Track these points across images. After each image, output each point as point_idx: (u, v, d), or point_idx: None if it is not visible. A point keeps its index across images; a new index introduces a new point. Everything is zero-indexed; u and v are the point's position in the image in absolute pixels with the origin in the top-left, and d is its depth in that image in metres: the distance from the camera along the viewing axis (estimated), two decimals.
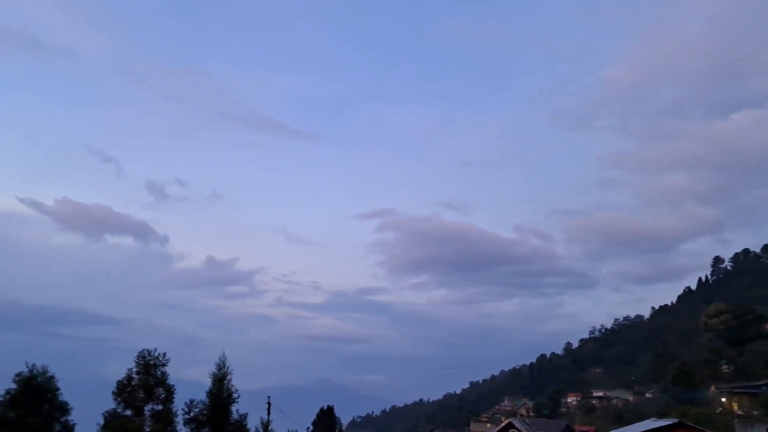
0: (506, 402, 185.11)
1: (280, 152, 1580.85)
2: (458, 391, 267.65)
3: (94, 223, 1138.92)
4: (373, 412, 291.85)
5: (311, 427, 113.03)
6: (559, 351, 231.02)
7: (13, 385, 36.45)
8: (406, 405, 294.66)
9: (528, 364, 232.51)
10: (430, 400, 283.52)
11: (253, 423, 43.86)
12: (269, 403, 53.58)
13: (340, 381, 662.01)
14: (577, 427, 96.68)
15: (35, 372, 37.08)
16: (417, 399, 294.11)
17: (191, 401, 41.20)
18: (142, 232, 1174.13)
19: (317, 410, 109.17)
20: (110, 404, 39.06)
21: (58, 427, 37.35)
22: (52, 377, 37.58)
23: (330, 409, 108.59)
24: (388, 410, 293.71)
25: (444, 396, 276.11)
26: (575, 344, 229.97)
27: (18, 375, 36.58)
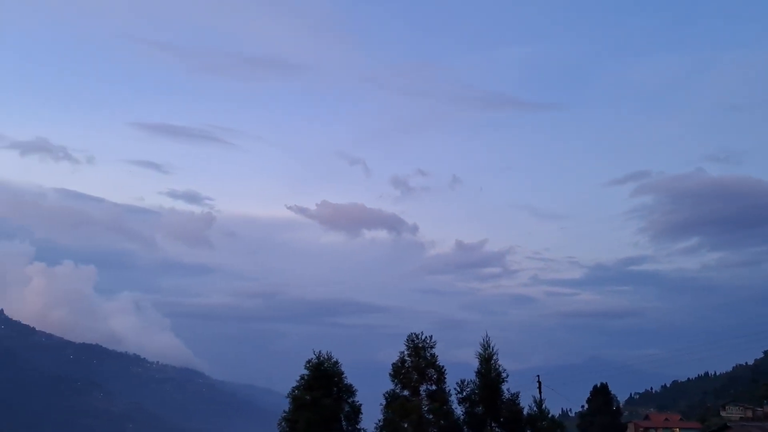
0: None
1: (517, 128, 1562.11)
2: (750, 362, 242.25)
3: (352, 221, 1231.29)
4: (652, 388, 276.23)
5: (585, 406, 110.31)
6: None
7: (306, 372, 40.63)
8: (689, 379, 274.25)
9: None
10: (717, 373, 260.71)
11: (525, 402, 43.93)
12: (539, 382, 53.31)
13: (611, 357, 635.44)
14: None
15: (322, 359, 41.02)
16: (701, 372, 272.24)
17: (462, 381, 42.48)
18: (393, 224, 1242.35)
19: (589, 389, 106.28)
20: (387, 385, 41.79)
21: (346, 408, 40.94)
22: (336, 362, 41.31)
23: (604, 386, 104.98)
24: (668, 386, 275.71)
25: (733, 368, 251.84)
26: None
27: (308, 362, 40.82)
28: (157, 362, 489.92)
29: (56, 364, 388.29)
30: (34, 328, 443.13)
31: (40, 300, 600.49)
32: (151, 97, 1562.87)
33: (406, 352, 41.71)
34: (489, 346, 43.26)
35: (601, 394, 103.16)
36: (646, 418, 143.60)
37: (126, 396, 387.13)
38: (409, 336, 41.95)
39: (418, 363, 41.08)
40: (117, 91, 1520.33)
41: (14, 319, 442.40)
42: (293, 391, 40.12)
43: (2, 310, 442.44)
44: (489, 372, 42.51)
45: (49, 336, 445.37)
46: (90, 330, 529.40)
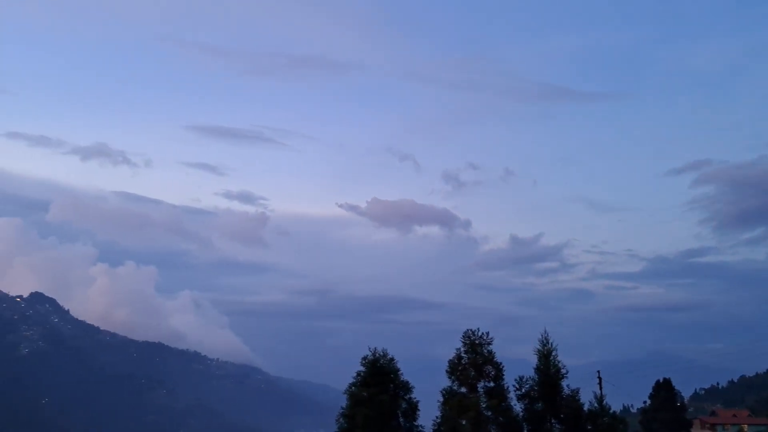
0: None
1: (571, 119, 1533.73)
2: None
3: (403, 217, 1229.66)
4: (718, 384, 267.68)
5: (648, 401, 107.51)
6: None
7: (362, 368, 40.64)
8: (757, 374, 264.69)
9: None
10: None
11: (585, 398, 43.01)
12: (600, 378, 52.18)
13: (673, 352, 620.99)
14: None
15: (377, 355, 40.94)
16: None
17: (521, 377, 41.88)
18: (445, 219, 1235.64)
19: (651, 384, 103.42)
20: (443, 382, 41.50)
21: (403, 405, 40.77)
22: (392, 359, 41.19)
23: (667, 381, 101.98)
24: (735, 381, 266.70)
25: None
26: None
27: (364, 359, 40.82)
28: (217, 359, 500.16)
29: (121, 362, 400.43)
30: (98, 328, 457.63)
31: (104, 300, 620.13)
32: (204, 100, 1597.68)
33: (462, 349, 41.31)
34: (548, 342, 42.56)
35: (664, 390, 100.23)
36: (713, 413, 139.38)
37: (188, 392, 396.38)
38: (465, 332, 41.54)
39: (475, 360, 40.64)
40: (172, 95, 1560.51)
41: (80, 319, 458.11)
42: (350, 387, 40.22)
43: (69, 310, 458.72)
44: (548, 368, 41.81)
45: (114, 335, 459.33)
46: (152, 328, 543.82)
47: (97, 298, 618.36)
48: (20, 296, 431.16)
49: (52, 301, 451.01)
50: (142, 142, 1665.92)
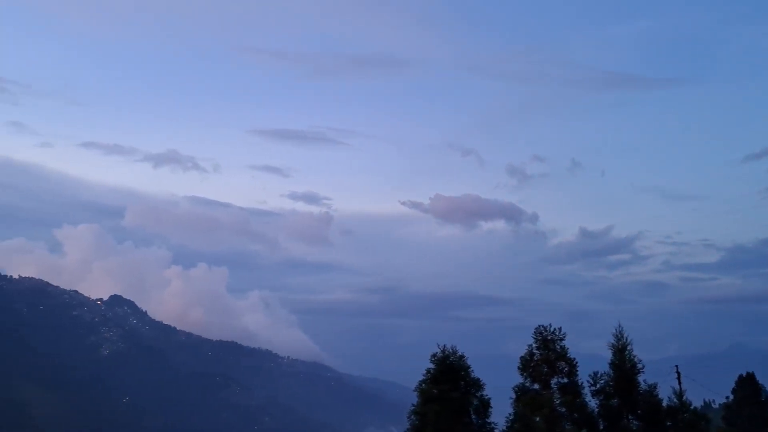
0: None
1: (638, 107, 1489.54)
2: None
3: (467, 213, 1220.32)
4: None
5: (730, 396, 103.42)
6: None
7: (432, 366, 40.48)
8: None
9: None
10: None
11: (664, 393, 41.71)
12: (678, 372, 50.45)
13: (756, 345, 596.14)
14: None
15: (447, 352, 40.71)
16: None
17: (595, 373, 40.95)
18: (511, 214, 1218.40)
19: (733, 378, 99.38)
20: (514, 379, 40.97)
21: (475, 402, 40.41)
22: (462, 356, 40.89)
23: (750, 375, 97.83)
24: None
25: None
26: None
27: (434, 356, 40.64)
28: (288, 357, 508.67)
29: (196, 362, 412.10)
30: (175, 328, 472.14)
31: (179, 301, 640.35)
32: (268, 104, 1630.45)
33: (534, 345, 40.69)
34: (622, 337, 41.52)
35: (747, 384, 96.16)
36: None
37: (261, 390, 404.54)
38: (536, 328, 40.91)
39: (547, 356, 39.95)
40: (237, 101, 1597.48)
41: (157, 320, 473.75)
42: (420, 384, 40.12)
43: (146, 312, 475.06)
44: (623, 363, 40.77)
45: (189, 335, 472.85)
46: (225, 328, 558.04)
47: (173, 300, 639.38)
48: (100, 299, 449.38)
49: (130, 303, 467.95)
50: (211, 148, 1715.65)
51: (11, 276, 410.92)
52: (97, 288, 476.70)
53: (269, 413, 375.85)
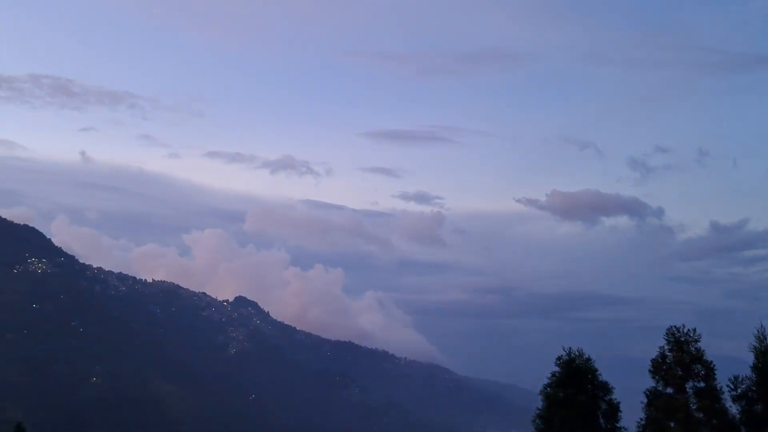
0: None
1: None
2: None
3: (587, 209, 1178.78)
4: None
5: None
6: None
7: (556, 368, 39.11)
8: None
9: None
10: None
11: None
12: None
13: None
14: None
15: (573, 355, 39.20)
16: None
17: (736, 377, 38.08)
18: (635, 208, 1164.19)
19: None
20: (642, 382, 38.86)
21: (603, 406, 38.70)
22: (589, 359, 39.21)
23: None
24: None
25: None
26: None
27: (559, 358, 39.18)
28: (405, 358, 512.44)
29: (316, 361, 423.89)
30: (295, 328, 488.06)
31: (298, 301, 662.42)
32: (378, 106, 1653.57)
33: (666, 347, 38.38)
34: (765, 338, 38.44)
35: None
36: None
37: (379, 391, 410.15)
38: (668, 329, 38.54)
39: (681, 358, 37.53)
40: (347, 104, 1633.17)
41: (278, 319, 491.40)
42: (545, 388, 38.86)
43: (268, 312, 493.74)
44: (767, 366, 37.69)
45: (308, 334, 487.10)
46: (342, 328, 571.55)
47: (292, 300, 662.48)
48: (226, 300, 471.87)
49: (253, 304, 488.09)
50: (323, 152, 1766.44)
51: (146, 279, 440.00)
52: (223, 289, 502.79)
53: (388, 414, 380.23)
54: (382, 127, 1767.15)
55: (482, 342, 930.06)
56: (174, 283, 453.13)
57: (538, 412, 39.25)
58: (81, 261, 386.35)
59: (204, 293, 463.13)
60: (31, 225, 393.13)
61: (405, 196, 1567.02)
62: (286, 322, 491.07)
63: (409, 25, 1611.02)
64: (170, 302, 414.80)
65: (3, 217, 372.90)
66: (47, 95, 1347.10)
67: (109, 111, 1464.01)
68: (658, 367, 38.97)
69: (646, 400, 38.87)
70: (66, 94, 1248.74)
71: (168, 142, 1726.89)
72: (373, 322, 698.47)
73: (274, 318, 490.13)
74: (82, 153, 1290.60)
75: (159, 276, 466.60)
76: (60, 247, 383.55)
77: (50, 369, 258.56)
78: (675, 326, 39.53)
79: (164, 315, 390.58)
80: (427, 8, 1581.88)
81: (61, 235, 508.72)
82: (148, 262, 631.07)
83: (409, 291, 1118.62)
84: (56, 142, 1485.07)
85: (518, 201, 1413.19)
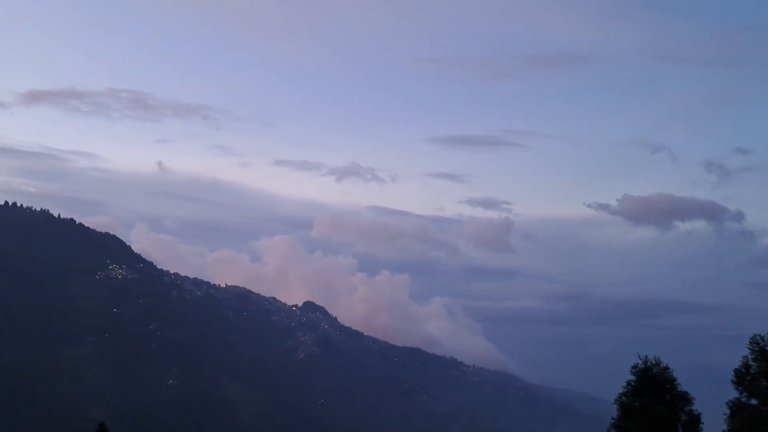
0: None
1: None
2: None
3: (661, 213, 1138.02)
4: None
5: None
6: None
7: (632, 377, 38.02)
8: None
9: None
10: None
11: None
12: None
13: None
14: None
15: (649, 363, 38.05)
16: None
17: None
18: (712, 212, 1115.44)
19: None
20: (724, 392, 37.28)
21: (683, 417, 37.32)
22: (666, 368, 37.98)
23: None
24: None
25: None
26: None
27: (634, 367, 38.12)
28: (473, 365, 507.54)
29: (384, 367, 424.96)
30: (362, 333, 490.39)
31: (365, 307, 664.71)
32: (442, 111, 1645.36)
33: (750, 357, 36.74)
34: None
35: None
36: None
37: (448, 398, 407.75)
38: (752, 338, 36.89)
39: (766, 368, 35.89)
40: (412, 110, 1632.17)
41: (346, 325, 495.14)
42: (620, 397, 37.78)
43: (336, 317, 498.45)
44: None
45: (376, 340, 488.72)
46: (410, 334, 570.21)
47: (359, 306, 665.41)
48: (296, 305, 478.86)
49: (321, 309, 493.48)
50: (389, 158, 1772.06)
51: (219, 285, 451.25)
52: (292, 294, 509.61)
53: (457, 421, 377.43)
54: (447, 132, 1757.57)
55: (553, 350, 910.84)
56: (246, 288, 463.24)
57: (613, 421, 38.23)
58: (159, 267, 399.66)
59: (274, 298, 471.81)
60: (112, 233, 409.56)
61: (472, 202, 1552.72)
62: (353, 328, 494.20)
63: (473, 30, 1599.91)
64: (242, 307, 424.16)
65: (86, 225, 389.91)
66: (126, 108, 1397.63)
67: (184, 123, 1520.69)
68: (741, 377, 37.31)
69: (729, 412, 37.30)
70: (143, 107, 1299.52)
71: (239, 151, 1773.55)
72: (441, 328, 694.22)
73: (342, 323, 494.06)
74: (159, 163, 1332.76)
75: (232, 281, 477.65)
76: (139, 254, 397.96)
77: (130, 371, 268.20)
78: (759, 335, 37.77)
79: (237, 319, 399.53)
80: (491, 12, 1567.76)
81: (140, 242, 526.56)
82: (222, 268, 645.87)
83: (477, 298, 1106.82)
84: (134, 153, 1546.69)
85: (589, 206, 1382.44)
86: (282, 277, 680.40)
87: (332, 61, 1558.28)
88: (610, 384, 39.22)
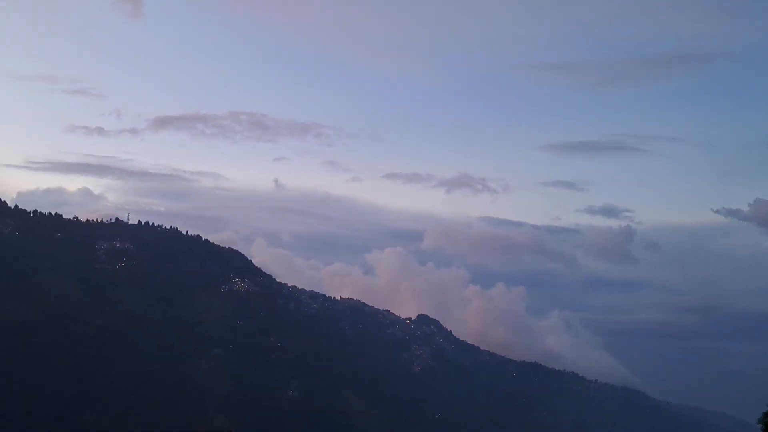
0: None
1: None
2: None
3: None
4: None
5: None
6: None
7: None
8: None
9: None
10: None
11: None
12: None
13: None
14: None
15: None
16: None
17: None
18: None
19: None
20: None
21: None
22: None
23: None
24: None
25: None
26: None
27: None
28: (595, 381, 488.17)
29: (501, 382, 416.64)
30: (478, 347, 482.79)
31: (480, 320, 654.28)
32: (557, 118, 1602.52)
33: None
34: None
35: None
36: None
37: (569, 414, 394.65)
38: None
39: None
40: (523, 118, 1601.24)
41: (461, 339, 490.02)
42: (764, 417, 34.57)
43: (451, 331, 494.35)
44: None
45: (492, 354, 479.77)
46: (527, 348, 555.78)
47: (474, 319, 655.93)
48: (409, 318, 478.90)
49: (435, 322, 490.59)
50: (500, 168, 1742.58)
51: (334, 297, 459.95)
52: (404, 307, 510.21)
53: None
54: (562, 139, 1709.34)
55: (681, 365, 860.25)
56: (360, 301, 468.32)
57: None
58: (277, 280, 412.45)
59: (387, 310, 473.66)
60: (234, 248, 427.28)
61: (590, 210, 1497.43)
62: (469, 342, 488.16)
63: (584, 34, 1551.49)
64: (357, 319, 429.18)
65: (211, 241, 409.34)
66: (245, 130, 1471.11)
67: (298, 141, 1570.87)
68: None
69: None
70: (261, 128, 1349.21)
71: (350, 166, 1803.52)
72: (560, 342, 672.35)
73: (457, 337, 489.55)
74: (276, 181, 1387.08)
75: (346, 293, 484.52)
76: (259, 268, 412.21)
77: (252, 382, 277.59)
78: None
79: (352, 331, 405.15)
80: (603, 14, 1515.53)
81: (260, 256, 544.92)
82: (336, 281, 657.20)
83: (597, 311, 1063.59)
84: (253, 172, 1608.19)
85: (717, 212, 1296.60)
86: (394, 290, 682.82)
87: (438, 73, 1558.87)
88: (744, 402, 36.05)
